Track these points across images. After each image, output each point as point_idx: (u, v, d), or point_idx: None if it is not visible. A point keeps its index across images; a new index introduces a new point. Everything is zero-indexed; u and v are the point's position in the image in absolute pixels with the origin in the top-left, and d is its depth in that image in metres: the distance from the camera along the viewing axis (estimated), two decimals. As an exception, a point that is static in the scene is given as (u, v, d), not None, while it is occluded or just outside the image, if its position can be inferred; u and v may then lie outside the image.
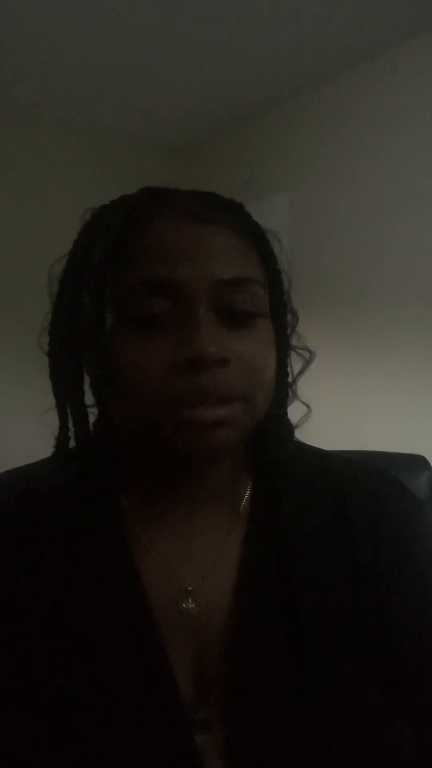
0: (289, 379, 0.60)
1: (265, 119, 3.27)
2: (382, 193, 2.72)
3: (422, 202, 2.55)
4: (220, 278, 0.51)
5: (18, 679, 0.51)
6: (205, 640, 0.54)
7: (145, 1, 2.29)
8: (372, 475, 0.63)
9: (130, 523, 0.58)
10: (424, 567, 0.59)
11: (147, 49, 2.63)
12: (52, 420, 0.59)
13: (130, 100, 3.10)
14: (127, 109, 3.20)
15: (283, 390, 0.59)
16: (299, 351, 0.61)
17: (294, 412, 0.62)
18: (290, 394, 0.61)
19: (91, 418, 0.58)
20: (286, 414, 0.61)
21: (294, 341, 0.61)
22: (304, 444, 0.65)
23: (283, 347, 0.58)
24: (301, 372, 0.62)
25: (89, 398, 0.57)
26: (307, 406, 0.62)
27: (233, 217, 0.55)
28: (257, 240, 0.56)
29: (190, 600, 0.55)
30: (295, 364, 0.61)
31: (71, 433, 0.58)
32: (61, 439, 0.58)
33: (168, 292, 0.50)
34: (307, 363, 0.62)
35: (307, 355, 0.62)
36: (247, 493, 0.61)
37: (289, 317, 0.59)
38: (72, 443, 0.58)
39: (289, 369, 0.60)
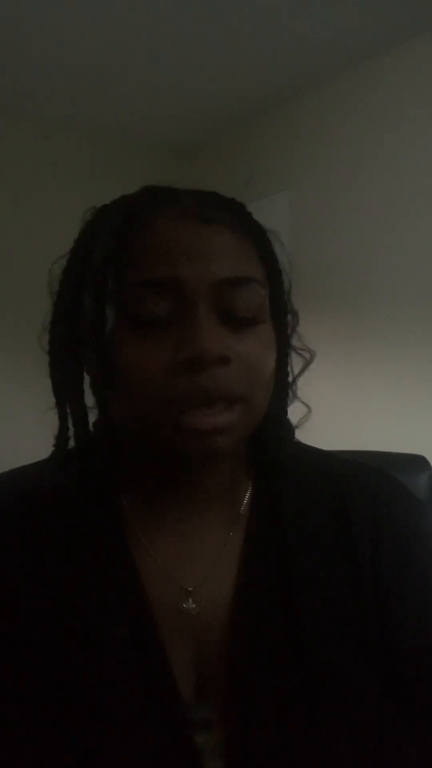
0: (290, 379, 0.60)
1: (265, 119, 3.27)
2: (382, 193, 2.72)
3: (422, 202, 2.56)
4: (220, 278, 0.51)
5: (18, 679, 0.51)
6: (205, 640, 0.54)
7: (145, 1, 2.29)
8: (372, 475, 0.63)
9: (130, 523, 0.58)
10: (424, 567, 0.59)
11: (147, 49, 2.63)
12: (52, 420, 0.59)
13: (130, 100, 3.10)
14: (127, 109, 3.20)
15: (283, 390, 0.59)
16: (299, 351, 0.61)
17: (294, 412, 0.62)
18: (290, 394, 0.61)
19: (91, 418, 0.58)
20: (287, 414, 0.61)
21: (294, 341, 0.61)
22: (304, 444, 0.65)
23: (283, 347, 0.58)
24: (302, 372, 0.62)
25: (89, 398, 0.57)
26: (308, 406, 0.62)
27: (234, 216, 0.54)
28: (258, 240, 0.56)
29: (190, 600, 0.55)
30: (295, 364, 0.61)
31: (71, 432, 0.58)
32: (61, 439, 0.58)
33: (169, 291, 0.50)
34: (307, 363, 0.62)
35: (307, 355, 0.62)
36: (248, 493, 0.61)
37: (289, 317, 0.59)
38: (72, 443, 0.58)
39: (289, 369, 0.60)
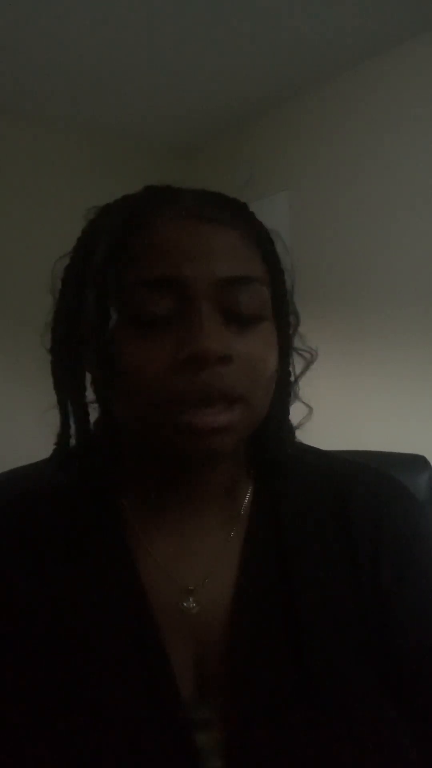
0: (291, 379, 0.60)
1: (265, 119, 3.26)
2: (383, 193, 2.72)
3: (422, 202, 2.55)
4: (222, 277, 0.51)
5: (18, 679, 0.51)
6: (206, 640, 0.54)
7: (145, 1, 2.29)
8: (372, 476, 0.63)
9: (130, 523, 0.58)
10: (424, 567, 0.59)
11: (147, 49, 2.63)
12: (52, 420, 0.59)
13: (130, 100, 3.09)
14: (127, 109, 3.20)
15: (284, 390, 0.59)
16: (301, 352, 0.61)
17: (295, 412, 0.62)
18: (291, 394, 0.61)
19: (92, 417, 0.58)
20: (288, 414, 0.61)
21: (295, 341, 0.61)
22: (305, 444, 0.65)
23: (285, 347, 0.58)
24: (303, 373, 0.62)
25: (90, 397, 0.57)
26: (309, 407, 0.62)
27: (237, 216, 0.55)
28: (261, 239, 0.56)
29: (190, 599, 0.55)
30: (296, 364, 0.61)
31: (72, 431, 0.58)
32: (62, 438, 0.58)
33: (171, 290, 0.50)
34: (308, 364, 0.62)
35: (308, 355, 0.62)
36: (248, 493, 0.61)
37: (291, 317, 0.59)
38: (73, 442, 0.58)
39: (290, 369, 0.60)
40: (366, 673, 0.53)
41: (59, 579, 0.55)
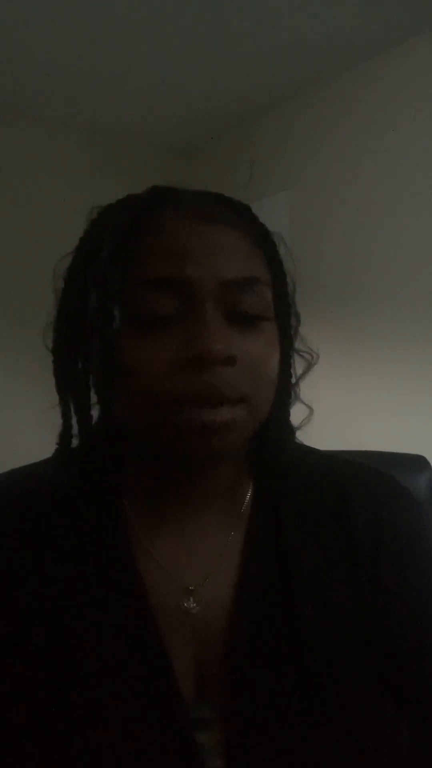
0: (293, 381, 0.61)
1: (265, 119, 3.27)
2: (383, 193, 2.72)
3: (423, 202, 2.56)
4: (227, 278, 0.51)
5: (19, 678, 0.51)
6: (206, 640, 0.54)
7: (145, 1, 2.29)
8: (372, 476, 0.63)
9: (131, 522, 0.58)
10: (424, 567, 0.59)
11: (147, 49, 2.63)
12: (53, 420, 0.59)
13: (130, 100, 3.10)
14: (127, 109, 3.20)
15: (285, 391, 0.59)
16: (302, 353, 0.61)
17: (295, 413, 0.62)
18: (292, 395, 0.61)
19: (93, 417, 0.58)
20: (288, 415, 0.61)
21: (297, 343, 0.61)
22: (305, 445, 0.65)
23: (286, 348, 0.58)
24: (304, 374, 0.62)
25: (92, 397, 0.57)
26: (309, 407, 0.62)
27: (240, 217, 0.55)
28: (264, 241, 0.56)
29: (191, 599, 0.55)
30: (297, 365, 0.61)
31: (74, 431, 0.58)
32: (64, 438, 0.58)
33: (175, 290, 0.50)
34: (309, 365, 0.62)
35: (309, 357, 0.62)
36: (249, 493, 0.61)
37: (293, 319, 0.59)
38: (75, 442, 0.58)
39: (292, 370, 0.60)
40: (366, 673, 0.53)
41: (60, 579, 0.55)
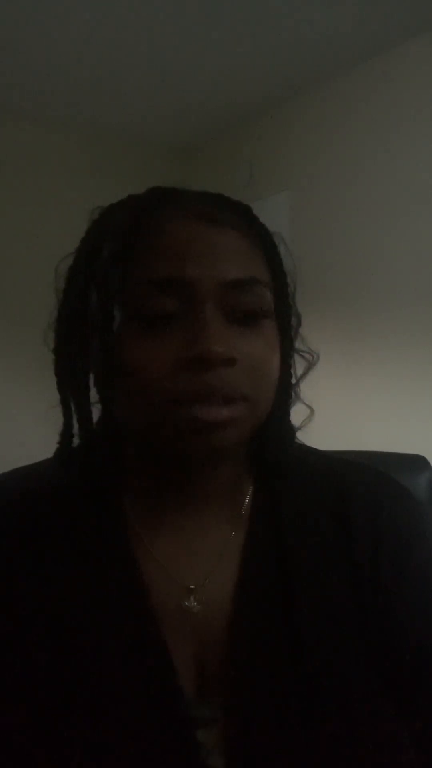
0: (293, 381, 0.61)
1: (265, 119, 3.27)
2: (383, 193, 2.72)
3: (423, 202, 2.56)
4: (228, 279, 0.51)
5: (20, 678, 0.51)
6: (207, 639, 0.55)
7: (145, 1, 2.29)
8: (372, 476, 0.63)
9: (132, 522, 0.58)
10: (424, 567, 0.59)
11: (147, 49, 2.63)
12: (53, 420, 0.59)
13: (130, 100, 3.10)
14: (127, 109, 3.20)
15: (285, 391, 0.59)
16: (302, 353, 0.62)
17: (296, 413, 0.62)
18: (293, 395, 0.61)
19: (94, 417, 0.58)
20: (288, 415, 0.61)
21: (297, 343, 0.61)
22: (305, 445, 0.66)
23: (287, 349, 0.58)
24: (304, 374, 0.62)
25: (93, 397, 0.58)
26: (310, 408, 0.62)
27: (241, 218, 0.55)
28: (264, 242, 0.56)
29: (191, 598, 0.56)
30: (297, 365, 0.61)
31: (75, 430, 0.58)
32: (65, 436, 0.58)
33: (176, 291, 0.50)
34: (310, 366, 0.62)
35: (309, 357, 0.62)
36: (249, 493, 0.61)
37: (293, 319, 0.59)
38: (75, 441, 0.58)
39: (292, 371, 0.60)
40: (366, 673, 0.53)
41: (61, 579, 0.55)
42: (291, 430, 0.62)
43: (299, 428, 0.63)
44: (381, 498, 0.60)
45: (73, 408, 0.58)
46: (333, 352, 2.79)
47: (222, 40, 2.56)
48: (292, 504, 0.60)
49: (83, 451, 0.57)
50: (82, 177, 3.27)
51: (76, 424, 0.58)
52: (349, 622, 0.55)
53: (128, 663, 0.52)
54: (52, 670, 0.51)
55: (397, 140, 2.66)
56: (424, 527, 0.62)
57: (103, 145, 3.47)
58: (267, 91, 3.03)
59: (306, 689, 0.51)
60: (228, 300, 0.51)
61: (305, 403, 0.62)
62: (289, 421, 0.61)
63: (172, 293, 0.50)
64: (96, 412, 0.57)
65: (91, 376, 0.57)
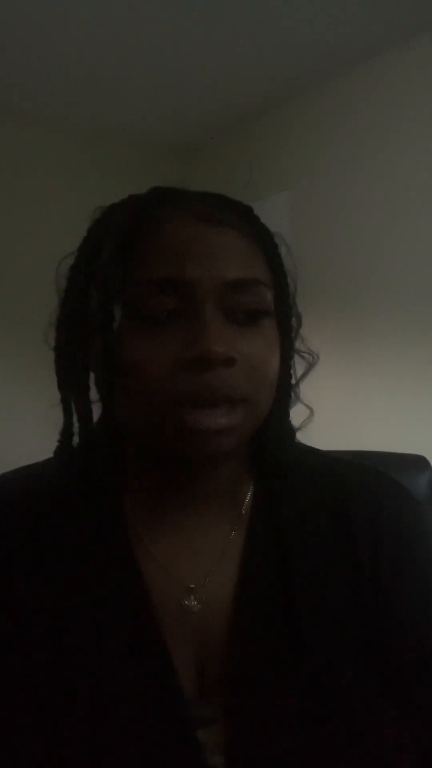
0: (293, 381, 0.61)
1: (265, 119, 3.27)
2: (383, 194, 2.72)
3: (423, 202, 2.56)
4: (228, 279, 0.51)
5: (21, 677, 0.51)
6: (207, 638, 0.55)
7: (145, 1, 2.29)
8: (372, 476, 0.63)
9: (132, 522, 0.58)
10: (424, 567, 0.59)
11: (147, 49, 2.63)
12: (54, 420, 0.59)
13: (130, 100, 3.10)
14: (127, 109, 3.20)
15: (285, 392, 0.59)
16: (302, 354, 0.62)
17: (296, 413, 0.62)
18: (293, 396, 0.61)
19: (95, 417, 0.58)
20: (288, 416, 0.61)
21: (298, 344, 0.61)
22: (305, 445, 0.66)
23: (287, 349, 0.58)
24: (305, 375, 0.62)
25: (93, 396, 0.58)
26: (310, 408, 0.62)
27: (242, 219, 0.55)
28: (265, 242, 0.56)
29: (191, 598, 0.56)
30: (298, 366, 0.61)
31: (75, 429, 0.58)
32: (65, 437, 0.58)
33: (176, 290, 0.50)
34: (310, 366, 0.62)
35: (309, 357, 0.62)
36: (249, 493, 0.61)
37: (293, 320, 0.60)
38: (76, 441, 0.58)
39: (292, 371, 0.60)
40: (366, 673, 0.53)
41: (61, 578, 0.55)
42: (291, 431, 0.62)
43: (299, 428, 0.63)
44: (381, 498, 0.61)
45: (73, 407, 0.58)
46: (333, 352, 2.79)
47: (222, 40, 2.56)
48: (292, 504, 0.60)
49: (83, 450, 0.57)
50: (82, 177, 3.27)
51: (76, 423, 0.58)
52: (349, 622, 0.55)
53: (128, 662, 0.52)
54: (52, 669, 0.51)
55: (397, 140, 2.66)
56: (424, 527, 0.62)
57: (103, 145, 3.47)
58: (267, 91, 3.03)
59: (306, 689, 0.51)
60: (228, 300, 0.51)
61: (305, 404, 0.62)
62: (289, 421, 0.61)
63: (172, 293, 0.51)
64: (96, 412, 0.57)
65: (92, 376, 0.57)
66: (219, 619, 0.55)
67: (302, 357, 0.62)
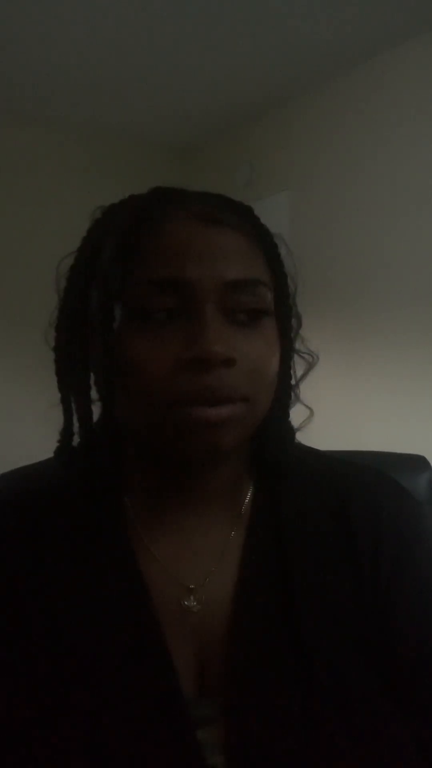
0: (292, 382, 0.61)
1: (265, 119, 3.27)
2: (383, 193, 2.72)
3: (423, 202, 2.56)
4: (228, 279, 0.51)
5: (20, 677, 0.51)
6: (207, 638, 0.55)
7: (145, 1, 2.29)
8: (372, 476, 0.63)
9: (132, 522, 0.58)
10: (424, 567, 0.59)
11: (147, 50, 2.63)
12: (54, 420, 0.59)
13: (130, 100, 3.10)
14: (127, 109, 3.20)
15: (285, 392, 0.59)
16: (302, 354, 0.62)
17: (296, 414, 0.62)
18: (292, 396, 0.61)
19: (95, 417, 0.58)
20: (288, 416, 0.61)
21: (297, 344, 0.61)
22: (305, 446, 0.66)
23: (287, 349, 0.58)
24: (304, 375, 0.62)
25: (93, 396, 0.58)
26: (310, 408, 0.62)
27: (242, 219, 0.55)
28: (265, 242, 0.56)
29: (191, 598, 0.56)
30: (298, 366, 0.61)
31: (75, 428, 0.58)
32: (65, 437, 0.58)
33: (176, 291, 0.50)
34: (310, 366, 0.62)
35: (309, 358, 0.62)
36: (249, 493, 0.61)
37: (293, 320, 0.60)
38: (76, 440, 0.58)
39: (292, 371, 0.60)
40: (366, 673, 0.53)
41: (61, 578, 0.55)
42: (291, 431, 0.62)
43: (299, 428, 0.63)
44: (381, 498, 0.61)
45: (73, 407, 0.58)
46: (333, 352, 2.79)
47: (222, 40, 2.56)
48: (291, 504, 0.60)
49: (83, 450, 0.57)
50: (82, 177, 3.27)
51: (76, 423, 0.58)
52: (349, 622, 0.55)
53: (128, 662, 0.52)
54: (52, 669, 0.51)
55: (397, 140, 2.66)
56: (424, 527, 0.62)
57: (103, 145, 3.48)
58: (267, 91, 3.03)
59: (306, 689, 0.51)
60: (228, 300, 0.51)
61: (305, 404, 0.62)
62: (289, 421, 0.61)
63: (172, 293, 0.51)
64: (96, 412, 0.57)
65: (92, 376, 0.57)
66: (219, 619, 0.55)
67: (302, 357, 0.62)
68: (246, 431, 0.54)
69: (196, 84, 2.94)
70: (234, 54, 2.68)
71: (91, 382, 0.57)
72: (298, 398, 0.62)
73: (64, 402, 0.58)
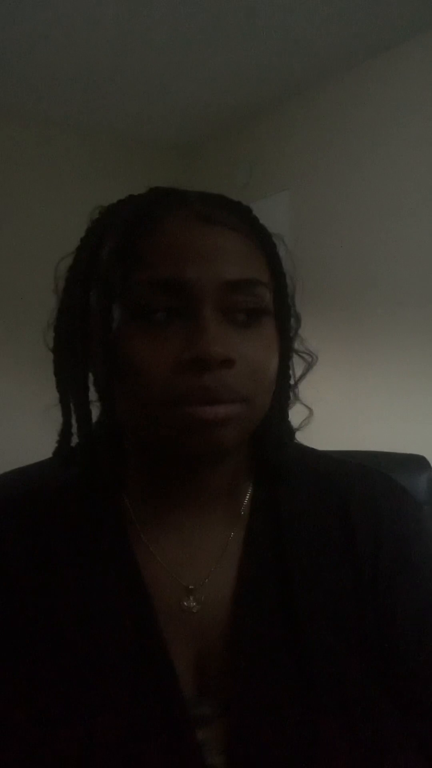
0: (291, 382, 0.61)
1: (265, 119, 3.27)
2: (383, 193, 2.72)
3: (423, 202, 2.56)
4: (227, 279, 0.51)
5: (22, 677, 0.52)
6: (206, 638, 0.55)
7: (144, 1, 2.29)
8: (371, 477, 0.63)
9: (132, 521, 0.58)
10: (424, 568, 0.59)
11: (147, 50, 2.63)
12: (54, 420, 0.59)
13: (131, 100, 3.10)
14: (127, 110, 3.20)
15: (284, 392, 0.59)
16: (301, 354, 0.62)
17: (295, 414, 0.62)
18: (291, 396, 0.61)
19: (94, 416, 0.58)
20: (287, 416, 0.61)
21: (297, 344, 0.61)
22: (305, 446, 0.66)
23: (285, 350, 0.58)
24: (303, 375, 0.62)
25: (92, 396, 0.58)
26: (309, 408, 0.62)
27: (241, 219, 0.55)
28: (264, 243, 0.56)
29: (191, 598, 0.56)
30: (297, 366, 0.61)
31: (74, 429, 0.58)
32: (64, 437, 0.58)
33: (175, 291, 0.50)
34: (309, 366, 0.62)
35: (309, 358, 0.62)
36: (248, 493, 0.61)
37: (292, 320, 0.60)
38: (75, 441, 0.58)
39: (291, 372, 0.60)
40: (365, 672, 0.53)
41: (61, 578, 0.55)
42: (290, 431, 0.62)
43: (299, 428, 0.63)
44: (380, 498, 0.61)
45: (72, 407, 0.58)
46: (333, 352, 2.79)
47: (222, 41, 2.57)
48: (291, 504, 0.60)
49: (83, 450, 0.57)
50: (82, 177, 3.27)
51: (75, 423, 0.58)
52: (348, 621, 0.55)
53: (128, 662, 0.52)
54: (52, 668, 0.51)
55: (397, 140, 2.66)
56: (423, 527, 0.62)
57: (103, 145, 3.48)
58: (267, 91, 3.03)
59: (306, 688, 0.51)
60: (227, 301, 0.51)
61: (305, 404, 0.62)
62: (288, 421, 0.61)
63: (171, 293, 0.51)
64: (95, 412, 0.57)
65: (91, 376, 0.57)
66: (219, 619, 0.55)
67: (301, 357, 0.62)
68: (245, 431, 0.54)
69: (195, 84, 2.94)
70: (234, 54, 2.68)
71: (90, 382, 0.57)
72: (297, 398, 0.62)
73: (63, 402, 0.58)
